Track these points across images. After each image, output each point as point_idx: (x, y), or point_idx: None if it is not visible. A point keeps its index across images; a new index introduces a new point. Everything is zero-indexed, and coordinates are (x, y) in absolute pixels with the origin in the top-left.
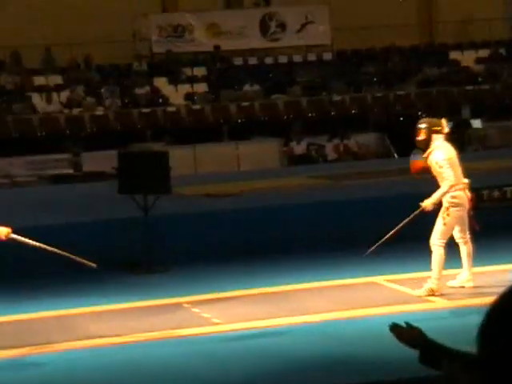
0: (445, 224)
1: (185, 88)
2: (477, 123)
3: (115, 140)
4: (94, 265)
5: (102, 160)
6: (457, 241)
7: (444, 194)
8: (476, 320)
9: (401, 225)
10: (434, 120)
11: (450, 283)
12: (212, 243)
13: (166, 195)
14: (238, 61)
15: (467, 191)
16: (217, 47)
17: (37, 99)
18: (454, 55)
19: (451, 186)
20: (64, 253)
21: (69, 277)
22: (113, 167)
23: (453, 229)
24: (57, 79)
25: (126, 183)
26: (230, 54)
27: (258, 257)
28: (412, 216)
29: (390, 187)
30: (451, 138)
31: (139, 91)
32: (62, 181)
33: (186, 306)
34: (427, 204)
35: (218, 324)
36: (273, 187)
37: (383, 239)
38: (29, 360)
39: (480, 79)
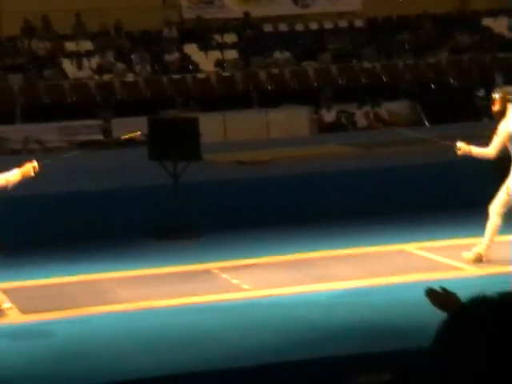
0: (508, 194)
1: (215, 55)
2: (510, 91)
3: (145, 106)
4: (138, 132)
5: (132, 126)
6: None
7: (478, 154)
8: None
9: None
10: (509, 89)
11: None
12: (241, 210)
13: (196, 162)
14: (269, 27)
15: None
16: (247, 14)
17: (67, 65)
18: (486, 22)
19: (490, 156)
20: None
21: (99, 242)
22: (139, 130)
23: None
24: (87, 45)
25: (156, 150)
26: (260, 20)
27: (287, 224)
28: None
29: (422, 155)
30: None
31: (169, 58)
32: (91, 147)
33: (215, 272)
34: (462, 147)
35: (246, 290)
36: (302, 155)
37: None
38: (59, 324)
39: None
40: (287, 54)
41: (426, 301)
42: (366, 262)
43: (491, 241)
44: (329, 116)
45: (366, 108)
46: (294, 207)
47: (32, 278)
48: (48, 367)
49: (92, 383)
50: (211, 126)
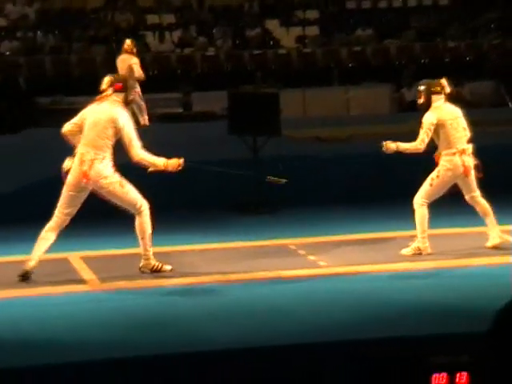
0: (431, 185)
1: (296, 31)
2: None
3: (225, 81)
4: (283, 180)
5: (212, 100)
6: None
7: (406, 149)
8: None
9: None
10: (434, 81)
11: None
12: (320, 186)
13: (276, 137)
14: (352, 4)
15: (465, 157)
16: None
17: (149, 38)
18: None
19: (418, 149)
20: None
21: (179, 216)
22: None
23: (439, 192)
24: (170, 18)
25: (235, 124)
26: None
27: (365, 202)
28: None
29: (504, 136)
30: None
31: (250, 33)
32: (172, 120)
33: (292, 247)
34: (388, 145)
35: (323, 267)
36: (382, 133)
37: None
38: (134, 293)
39: None
40: (369, 32)
41: (505, 284)
42: (445, 242)
43: (424, 232)
44: (410, 94)
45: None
46: (372, 185)
47: (108, 248)
48: (121, 335)
49: (166, 353)
50: (291, 101)
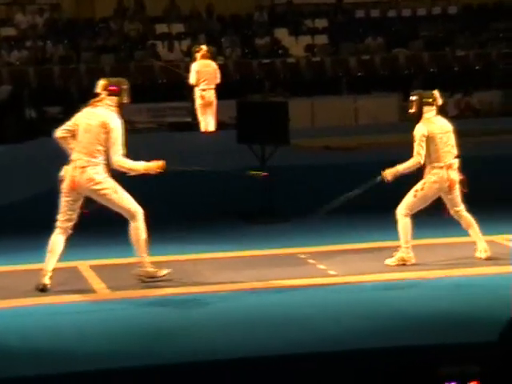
0: (415, 196)
1: (305, 40)
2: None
3: (233, 90)
4: (262, 174)
5: (220, 109)
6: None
7: (406, 168)
8: None
9: (355, 192)
10: (426, 92)
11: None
12: (329, 195)
13: (284, 146)
14: (361, 13)
15: (451, 171)
16: None
17: (158, 47)
18: None
19: (417, 163)
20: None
21: (188, 225)
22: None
23: (422, 205)
24: (179, 27)
25: (244, 133)
26: (352, 6)
27: (374, 211)
28: (370, 184)
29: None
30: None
31: (259, 42)
32: (180, 128)
33: (302, 256)
34: (387, 173)
35: (333, 276)
36: (391, 142)
37: (334, 203)
38: (143, 302)
39: None
40: (378, 41)
41: None
42: (457, 251)
43: (408, 242)
44: None
45: (458, 97)
46: (382, 194)
47: (118, 257)
48: (130, 345)
49: (176, 362)
50: (299, 110)
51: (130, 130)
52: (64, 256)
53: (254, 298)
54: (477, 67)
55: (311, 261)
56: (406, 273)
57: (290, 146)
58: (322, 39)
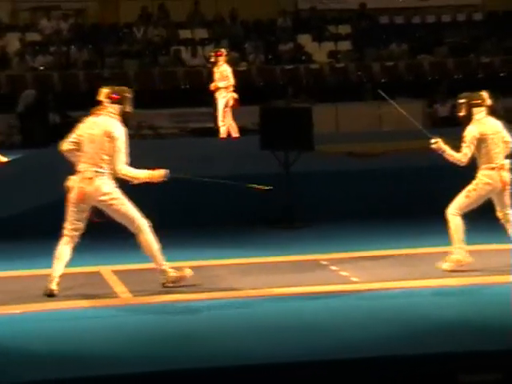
0: (467, 197)
1: (329, 45)
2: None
3: (257, 95)
4: (267, 187)
5: (244, 115)
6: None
7: (450, 157)
8: None
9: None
10: (474, 94)
11: None
12: (352, 202)
13: (308, 152)
14: (384, 19)
15: (503, 172)
16: (363, 5)
17: (182, 52)
18: None
19: (461, 162)
20: (228, 181)
21: (209, 231)
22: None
23: (473, 205)
24: (202, 33)
25: (267, 139)
26: (376, 12)
27: (398, 217)
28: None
29: None
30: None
31: (283, 47)
32: (203, 134)
33: (324, 263)
34: (439, 143)
35: (355, 283)
36: (415, 148)
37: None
38: (166, 307)
39: None
40: (403, 47)
41: None
42: (479, 259)
43: (461, 242)
44: (443, 110)
45: None
46: (406, 201)
47: (140, 262)
48: (154, 349)
49: (198, 367)
50: (323, 116)
51: (153, 135)
52: (87, 260)
53: (275, 304)
54: (502, 74)
55: (333, 267)
56: (430, 280)
57: (314, 152)
58: (345, 45)
